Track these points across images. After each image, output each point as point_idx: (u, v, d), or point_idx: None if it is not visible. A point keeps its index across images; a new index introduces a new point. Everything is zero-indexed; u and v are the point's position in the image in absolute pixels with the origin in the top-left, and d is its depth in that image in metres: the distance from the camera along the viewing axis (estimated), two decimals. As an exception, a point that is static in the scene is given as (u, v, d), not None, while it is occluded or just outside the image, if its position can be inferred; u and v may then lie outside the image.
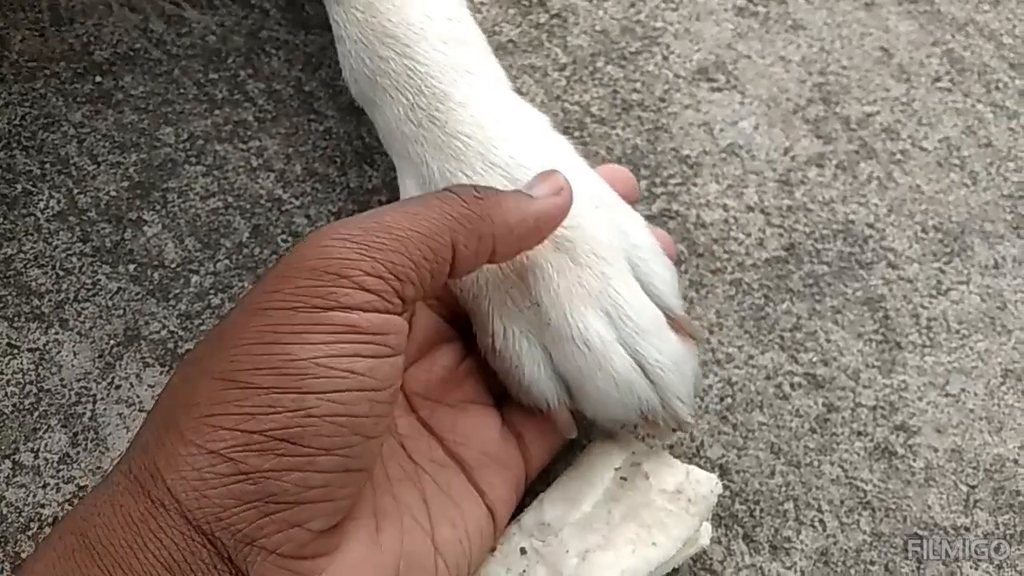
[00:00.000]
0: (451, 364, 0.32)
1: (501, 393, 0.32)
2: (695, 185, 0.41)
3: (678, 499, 0.31)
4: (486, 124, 0.33)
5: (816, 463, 0.35)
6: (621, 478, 0.31)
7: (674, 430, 0.32)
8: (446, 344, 0.33)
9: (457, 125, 0.33)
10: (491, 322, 0.31)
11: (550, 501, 0.31)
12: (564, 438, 0.33)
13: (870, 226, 0.41)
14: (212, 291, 0.37)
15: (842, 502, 0.35)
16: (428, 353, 0.32)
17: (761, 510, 0.34)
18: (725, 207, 0.41)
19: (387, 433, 0.28)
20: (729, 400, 0.36)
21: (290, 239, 0.38)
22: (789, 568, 0.33)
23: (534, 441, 0.32)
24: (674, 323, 0.32)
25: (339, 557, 0.25)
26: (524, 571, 0.29)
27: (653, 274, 0.32)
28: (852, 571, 0.33)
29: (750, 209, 0.41)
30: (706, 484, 0.31)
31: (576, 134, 0.42)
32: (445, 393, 0.32)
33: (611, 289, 0.31)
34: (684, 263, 0.39)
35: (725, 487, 0.35)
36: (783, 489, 0.35)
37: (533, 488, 0.32)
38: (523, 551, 0.30)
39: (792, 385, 0.37)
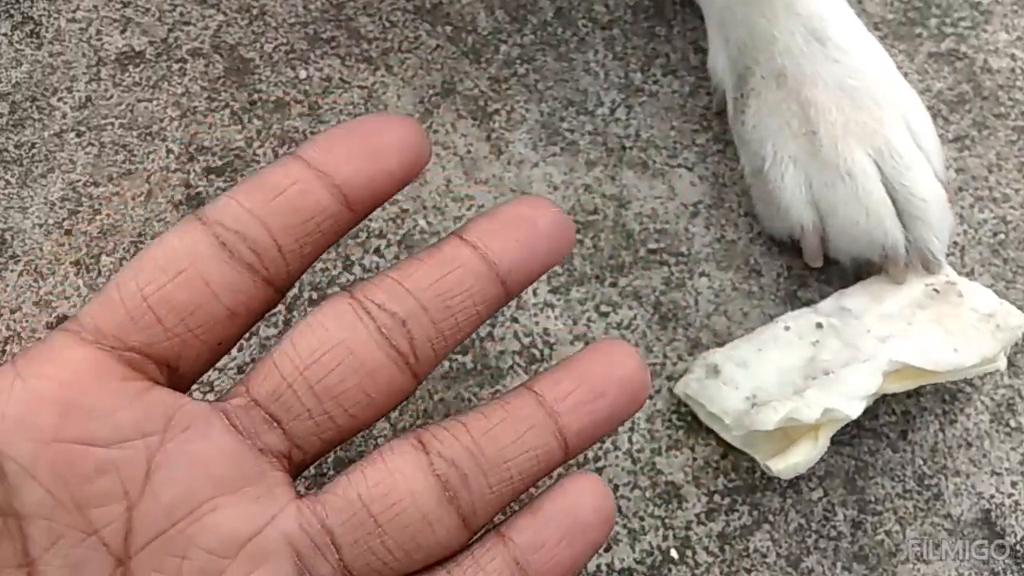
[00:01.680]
0: None
1: None
2: (985, 31, 0.41)
3: (988, 321, 0.30)
4: None
5: (1082, 307, 0.36)
6: (934, 290, 0.31)
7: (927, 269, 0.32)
8: None
9: None
10: (764, 146, 0.34)
11: (851, 294, 0.32)
12: None
13: None
14: (518, 61, 0.39)
15: (1104, 346, 0.35)
16: None
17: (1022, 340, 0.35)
18: (1013, 57, 0.41)
19: None
20: (1002, 236, 0.37)
21: (589, 24, 0.40)
22: (1046, 395, 0.34)
23: None
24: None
25: None
26: (817, 341, 0.31)
27: (924, 136, 0.34)
28: (1106, 409, 0.34)
29: (1038, 62, 0.41)
30: (1016, 318, 0.31)
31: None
32: None
33: (884, 131, 0.33)
34: (968, 103, 0.39)
35: (991, 313, 0.36)
36: (1047, 325, 0.36)
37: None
38: (819, 325, 0.31)
39: (1065, 233, 0.37)
